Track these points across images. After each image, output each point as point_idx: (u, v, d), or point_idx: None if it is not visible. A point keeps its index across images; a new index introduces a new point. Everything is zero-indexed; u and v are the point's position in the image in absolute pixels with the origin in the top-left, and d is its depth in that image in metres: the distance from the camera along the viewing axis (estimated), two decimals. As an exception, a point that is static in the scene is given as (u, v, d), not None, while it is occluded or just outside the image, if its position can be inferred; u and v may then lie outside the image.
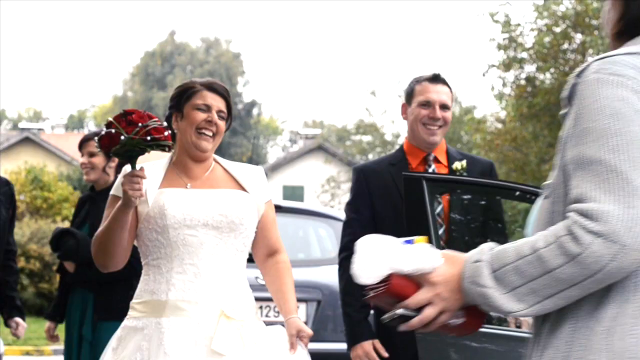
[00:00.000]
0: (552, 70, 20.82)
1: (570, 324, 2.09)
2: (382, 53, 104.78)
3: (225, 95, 4.18)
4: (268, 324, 4.14)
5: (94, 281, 6.00)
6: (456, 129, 40.26)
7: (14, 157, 35.44)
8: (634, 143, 2.05)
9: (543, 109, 20.90)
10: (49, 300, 19.47)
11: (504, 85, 22.26)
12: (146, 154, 3.85)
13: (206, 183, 4.13)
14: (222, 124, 4.14)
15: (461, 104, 43.06)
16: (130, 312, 4.05)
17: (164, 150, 3.85)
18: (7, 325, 6.10)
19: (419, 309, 2.19)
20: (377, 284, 2.21)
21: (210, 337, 3.86)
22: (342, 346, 5.25)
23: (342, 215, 10.70)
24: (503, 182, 4.84)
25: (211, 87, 4.15)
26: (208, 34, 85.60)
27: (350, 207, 4.91)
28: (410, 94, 4.87)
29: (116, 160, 6.07)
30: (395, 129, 42.87)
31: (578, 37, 20.53)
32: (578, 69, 2.20)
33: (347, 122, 55.54)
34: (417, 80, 4.87)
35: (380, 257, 2.20)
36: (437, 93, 4.81)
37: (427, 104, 4.80)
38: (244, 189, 4.15)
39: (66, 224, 22.15)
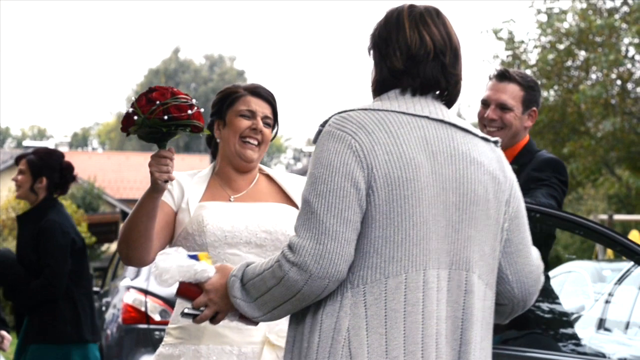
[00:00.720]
0: (555, 87, 20.82)
1: (317, 333, 2.57)
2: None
3: (270, 100, 3.83)
4: None
5: (21, 304, 5.98)
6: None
7: (18, 175, 35.40)
8: (334, 191, 2.54)
9: (547, 126, 20.89)
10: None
11: (508, 102, 22.24)
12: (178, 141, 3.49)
13: (251, 196, 3.78)
14: (268, 132, 3.79)
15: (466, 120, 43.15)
16: (166, 338, 3.70)
17: (191, 132, 3.39)
18: None
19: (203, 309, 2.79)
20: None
21: None
22: None
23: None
24: None
25: (255, 92, 3.80)
26: (212, 51, 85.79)
27: None
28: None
29: (44, 180, 5.99)
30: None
31: (582, 54, 20.54)
32: (324, 119, 2.66)
33: (351, 139, 55.41)
34: (489, 76, 4.55)
35: (172, 268, 2.81)
36: (497, 92, 4.47)
37: (485, 103, 4.50)
38: (292, 202, 3.80)
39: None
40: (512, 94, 4.46)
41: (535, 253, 2.84)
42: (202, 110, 3.38)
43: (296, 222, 2.59)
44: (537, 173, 4.44)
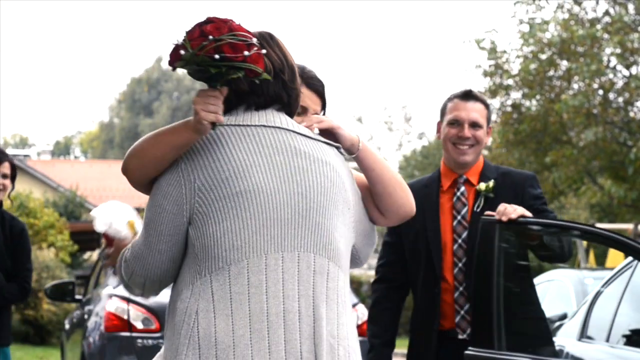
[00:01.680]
0: (537, 97, 20.89)
1: (176, 317, 2.88)
2: (368, 79, 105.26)
3: (323, 93, 3.52)
4: None
5: None
6: (443, 155, 40.36)
7: (0, 183, 35.30)
8: (155, 208, 2.93)
9: (529, 136, 20.96)
10: (35, 327, 19.40)
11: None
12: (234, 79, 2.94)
13: None
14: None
15: (447, 130, 43.18)
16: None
17: (245, 76, 2.93)
18: None
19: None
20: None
21: None
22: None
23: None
24: (570, 222, 4.77)
25: (310, 84, 3.48)
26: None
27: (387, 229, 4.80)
28: (442, 112, 4.76)
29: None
30: (382, 156, 42.91)
31: (564, 64, 20.62)
32: None
33: (334, 148, 55.32)
34: (449, 98, 4.74)
35: (105, 208, 3.24)
36: (467, 111, 4.65)
37: (456, 123, 4.66)
38: None
39: (52, 251, 22.11)
40: (479, 112, 4.68)
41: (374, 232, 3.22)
42: (263, 52, 2.96)
43: None
44: (534, 190, 4.69)
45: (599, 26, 20.15)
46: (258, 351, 2.80)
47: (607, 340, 5.28)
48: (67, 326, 11.50)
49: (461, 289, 4.57)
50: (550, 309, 9.83)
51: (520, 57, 21.26)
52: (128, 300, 8.60)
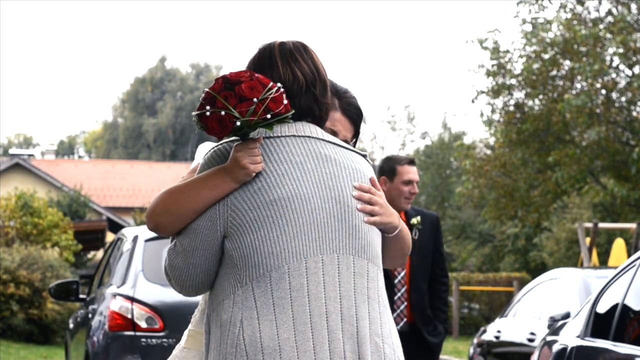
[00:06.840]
0: (540, 96, 20.91)
1: (219, 327, 2.90)
2: (371, 79, 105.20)
3: (357, 122, 3.41)
4: None
5: None
6: (445, 155, 40.32)
7: (4, 183, 35.40)
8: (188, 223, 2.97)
9: (532, 135, 20.97)
10: (39, 327, 19.43)
11: (493, 111, 22.36)
12: None
13: None
14: None
15: (450, 130, 43.18)
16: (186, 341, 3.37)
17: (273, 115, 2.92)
18: None
19: None
20: None
21: None
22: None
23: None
24: None
25: (344, 109, 3.40)
26: (198, 60, 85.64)
27: None
28: (393, 171, 6.42)
29: None
30: (385, 155, 42.90)
31: (566, 64, 20.63)
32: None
33: (337, 148, 55.25)
34: (399, 163, 6.40)
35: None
36: (415, 174, 6.41)
37: (410, 182, 6.36)
38: None
39: (56, 250, 22.16)
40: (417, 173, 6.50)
41: None
42: (282, 90, 2.94)
43: None
44: (440, 229, 6.61)
45: (601, 26, 20.16)
46: (304, 352, 2.84)
47: (610, 339, 5.31)
48: (71, 325, 11.51)
49: (399, 294, 6.29)
50: (553, 308, 9.85)
51: (523, 57, 21.27)
52: (132, 300, 8.61)
